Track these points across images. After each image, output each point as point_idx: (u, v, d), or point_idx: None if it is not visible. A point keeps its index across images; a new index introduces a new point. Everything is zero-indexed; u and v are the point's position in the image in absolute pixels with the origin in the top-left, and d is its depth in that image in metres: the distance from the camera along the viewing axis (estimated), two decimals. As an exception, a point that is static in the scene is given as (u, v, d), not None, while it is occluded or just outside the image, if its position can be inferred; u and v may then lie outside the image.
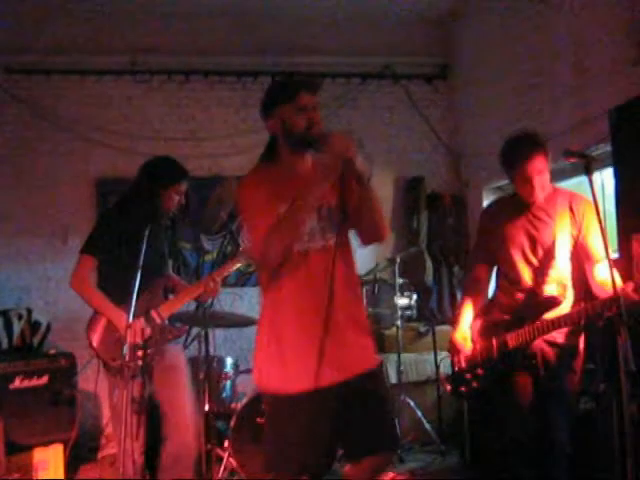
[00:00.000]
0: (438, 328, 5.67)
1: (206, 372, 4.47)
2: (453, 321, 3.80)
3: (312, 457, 2.73)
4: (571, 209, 3.44)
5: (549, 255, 3.44)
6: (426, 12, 6.72)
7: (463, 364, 3.63)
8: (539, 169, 3.38)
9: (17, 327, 5.45)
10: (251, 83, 6.67)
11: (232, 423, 4.50)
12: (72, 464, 4.76)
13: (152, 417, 3.86)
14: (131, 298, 3.38)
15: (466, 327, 3.64)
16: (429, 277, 6.69)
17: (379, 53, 6.83)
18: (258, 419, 4.40)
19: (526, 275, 3.51)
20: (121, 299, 3.66)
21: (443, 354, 4.87)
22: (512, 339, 3.43)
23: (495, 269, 3.74)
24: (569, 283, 3.48)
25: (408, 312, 5.81)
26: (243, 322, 4.95)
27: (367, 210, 2.79)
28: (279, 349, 2.77)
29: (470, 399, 4.48)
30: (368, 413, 2.75)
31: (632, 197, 4.02)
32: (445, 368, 4.55)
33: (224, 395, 4.92)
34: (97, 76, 6.48)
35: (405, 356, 5.59)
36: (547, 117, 5.22)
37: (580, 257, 3.45)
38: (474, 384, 3.60)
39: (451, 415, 5.44)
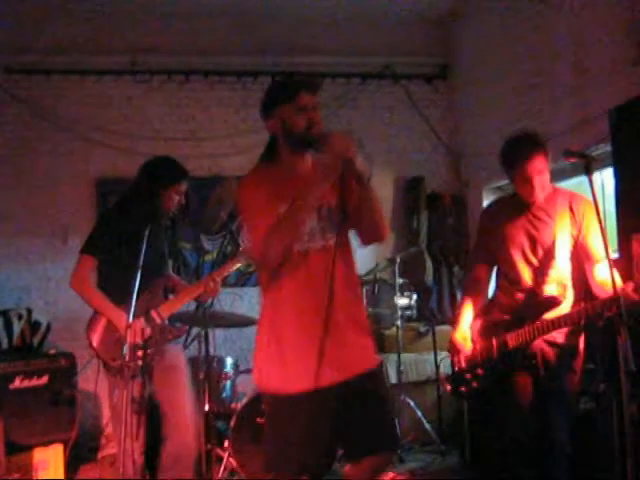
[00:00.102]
0: (438, 328, 5.67)
1: (206, 372, 4.47)
2: (453, 321, 3.80)
3: (312, 457, 2.73)
4: (571, 209, 3.44)
5: (549, 255, 3.44)
6: (426, 12, 6.72)
7: (463, 364, 3.63)
8: (539, 169, 3.38)
9: (17, 327, 5.45)
10: (251, 83, 6.67)
11: (232, 423, 4.50)
12: (72, 464, 4.76)
13: (152, 417, 3.86)
14: (131, 298, 3.38)
15: (466, 327, 3.64)
16: (429, 277, 6.69)
17: (379, 53, 6.83)
18: (258, 419, 4.39)
19: (526, 275, 3.51)
20: (121, 299, 3.66)
21: (443, 354, 4.87)
22: (512, 339, 3.43)
23: (495, 269, 3.74)
24: (569, 283, 3.48)
25: (408, 312, 5.81)
26: (243, 322, 4.94)
27: (367, 210, 2.79)
28: (279, 349, 2.77)
29: (470, 399, 4.48)
30: (368, 413, 2.75)
31: (632, 197, 4.02)
32: (445, 368, 4.55)
33: (224, 395, 4.92)
34: (97, 76, 6.48)
35: (405, 356, 5.59)
36: (547, 117, 5.22)
37: (580, 257, 3.45)
38: (474, 384, 3.60)
39: (451, 415, 5.44)
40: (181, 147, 6.24)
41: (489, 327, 3.58)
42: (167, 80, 6.60)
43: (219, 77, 6.67)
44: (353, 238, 2.92)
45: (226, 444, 4.51)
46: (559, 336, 3.39)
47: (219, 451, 4.53)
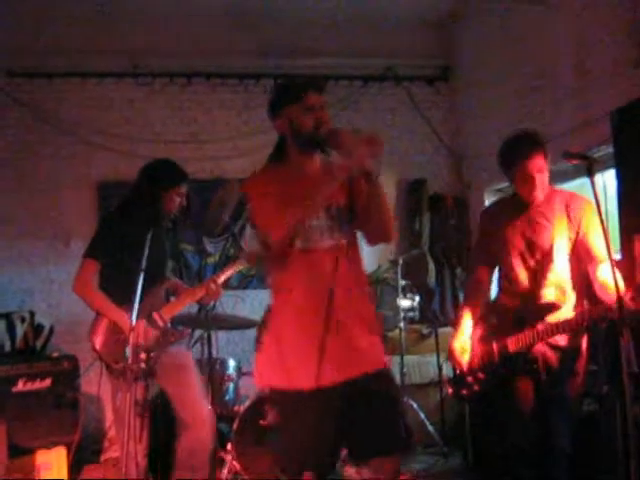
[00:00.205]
0: (441, 330, 5.66)
1: (209, 374, 4.47)
2: (455, 324, 3.79)
3: (315, 456, 2.73)
4: (568, 211, 3.41)
5: (547, 259, 3.42)
6: (427, 14, 6.72)
7: (464, 368, 3.62)
8: (539, 167, 3.37)
9: (20, 330, 5.45)
10: (253, 85, 6.67)
11: (235, 426, 4.49)
12: (75, 467, 4.76)
13: (155, 419, 3.87)
14: (133, 300, 3.39)
15: (465, 336, 3.62)
16: (432, 279, 6.70)
17: (381, 55, 6.83)
18: (261, 421, 4.40)
19: (524, 278, 3.49)
20: (123, 301, 3.67)
21: (446, 356, 4.86)
22: (513, 343, 3.42)
23: (497, 270, 3.74)
24: (568, 287, 3.45)
25: (411, 314, 5.81)
26: (245, 324, 4.95)
27: (375, 209, 2.78)
28: (278, 349, 2.77)
29: (471, 402, 4.47)
30: (375, 414, 2.72)
31: (634, 198, 4.02)
32: (448, 370, 4.55)
33: (227, 397, 4.92)
34: (98, 79, 6.48)
35: (408, 358, 5.58)
36: (549, 119, 5.22)
37: (582, 257, 3.42)
38: (475, 387, 3.59)
39: (454, 417, 5.44)
40: (183, 150, 6.25)
41: (490, 331, 3.57)
42: (169, 83, 6.60)
43: (221, 79, 6.68)
44: (360, 238, 2.91)
45: (229, 447, 4.50)
46: (561, 339, 3.38)
47: (222, 454, 4.53)
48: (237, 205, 6.40)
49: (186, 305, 4.08)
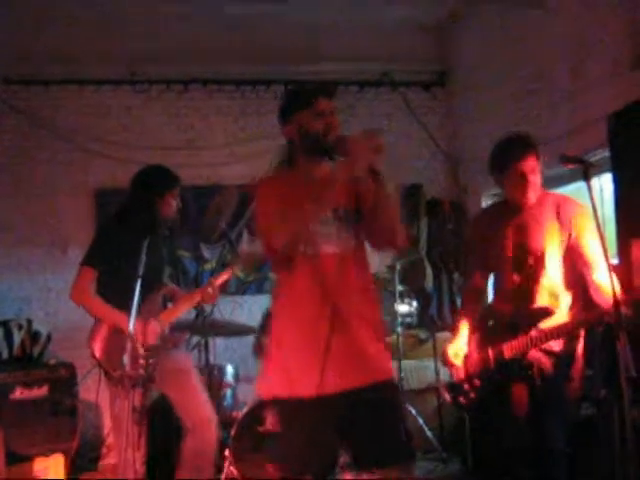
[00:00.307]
0: (438, 335, 5.65)
1: (206, 381, 4.46)
2: (452, 330, 3.79)
3: (314, 463, 2.70)
4: (559, 214, 3.40)
5: (539, 263, 3.41)
6: (423, 19, 6.73)
7: (461, 375, 3.61)
8: (532, 167, 3.37)
9: (17, 337, 5.45)
10: (250, 92, 6.68)
11: (233, 432, 4.48)
12: (73, 474, 4.75)
13: (154, 426, 3.87)
14: (131, 307, 3.38)
15: (461, 342, 3.61)
16: (429, 284, 6.69)
17: (377, 61, 6.83)
18: (259, 428, 4.39)
19: (517, 283, 3.48)
20: (120, 309, 3.66)
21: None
22: (508, 349, 3.41)
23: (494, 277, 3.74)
24: (562, 291, 3.44)
25: (408, 319, 5.81)
26: (243, 331, 4.94)
27: (382, 210, 2.75)
28: (280, 355, 2.76)
29: (469, 410, 4.46)
30: (379, 425, 2.69)
31: (631, 202, 4.02)
32: (445, 375, 4.54)
33: (225, 404, 4.92)
34: (95, 86, 6.49)
35: (405, 363, 5.57)
36: (545, 122, 5.23)
37: (576, 261, 3.41)
38: (472, 395, 3.58)
39: (452, 422, 5.43)
40: (180, 156, 6.24)
41: (486, 337, 3.57)
42: (166, 89, 6.61)
43: (218, 86, 6.69)
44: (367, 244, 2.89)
45: (227, 453, 4.50)
46: (555, 344, 3.36)
47: (220, 460, 4.52)
48: (234, 211, 6.41)
49: (184, 311, 4.08)
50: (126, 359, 3.41)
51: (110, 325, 3.79)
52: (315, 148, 2.76)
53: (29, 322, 5.49)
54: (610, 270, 2.82)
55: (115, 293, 3.75)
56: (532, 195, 3.40)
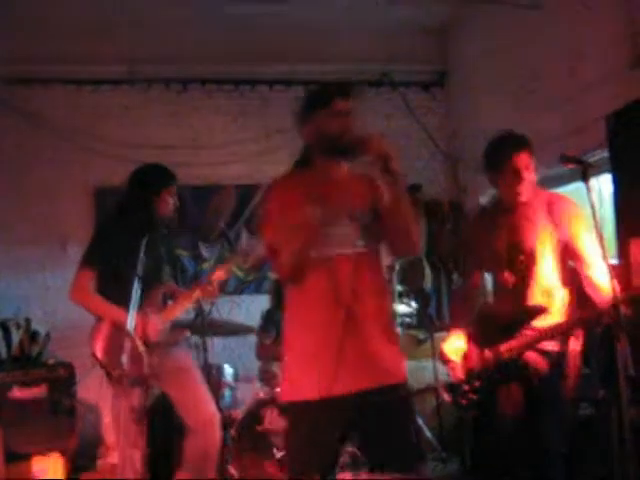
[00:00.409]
0: (437, 335, 5.61)
1: (205, 381, 4.46)
2: (449, 328, 3.79)
3: (316, 465, 2.70)
4: (551, 212, 3.39)
5: (532, 262, 3.41)
6: (423, 20, 6.73)
7: (460, 375, 3.60)
8: (526, 163, 3.37)
9: (16, 337, 5.45)
10: (249, 91, 6.69)
11: (232, 432, 4.48)
12: (71, 473, 4.75)
13: (154, 425, 3.86)
14: (129, 307, 3.38)
15: (458, 341, 3.61)
16: (428, 284, 6.69)
17: (377, 61, 6.83)
18: (258, 428, 4.39)
19: (511, 283, 3.48)
20: (120, 307, 3.66)
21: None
22: (505, 349, 3.41)
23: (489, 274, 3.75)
24: (556, 290, 3.43)
25: (407, 319, 5.81)
26: (242, 330, 4.94)
27: (401, 213, 2.77)
28: (293, 357, 2.78)
29: (469, 410, 4.46)
30: (389, 426, 2.69)
31: (630, 202, 4.02)
32: (444, 375, 4.54)
33: (223, 404, 4.91)
34: (95, 86, 6.50)
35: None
36: (544, 122, 5.21)
37: (571, 259, 3.41)
38: (472, 396, 3.57)
39: (451, 422, 5.42)
40: (179, 155, 6.21)
41: (483, 337, 3.56)
42: (165, 89, 6.62)
43: (217, 85, 6.69)
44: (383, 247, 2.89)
45: (226, 452, 4.49)
46: (549, 343, 3.35)
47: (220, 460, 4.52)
48: (233, 211, 6.41)
49: (184, 308, 4.08)
50: (124, 358, 3.40)
51: (111, 323, 3.78)
52: (332, 148, 2.77)
53: (28, 321, 5.49)
54: (610, 270, 2.82)
55: (114, 292, 3.74)
56: (525, 191, 3.40)
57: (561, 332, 3.28)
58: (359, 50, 6.73)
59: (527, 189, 3.40)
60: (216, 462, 4.04)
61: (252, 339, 5.41)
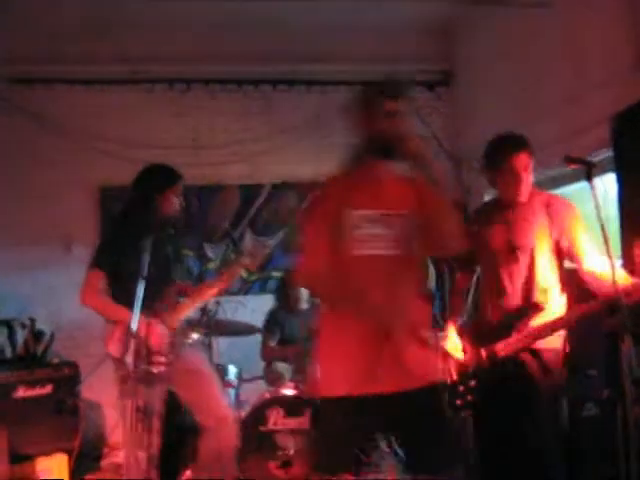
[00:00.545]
0: (441, 334, 5.63)
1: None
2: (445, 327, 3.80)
3: (344, 463, 2.71)
4: (548, 212, 3.41)
5: (529, 261, 3.42)
6: (428, 19, 6.71)
7: (455, 376, 3.59)
8: (525, 164, 3.39)
9: (20, 336, 5.46)
10: (252, 91, 6.68)
11: (236, 432, 4.48)
12: (76, 473, 4.75)
13: (166, 425, 3.86)
14: (136, 308, 3.38)
15: (455, 337, 3.63)
16: (432, 283, 6.68)
17: (381, 60, 6.82)
18: (262, 428, 4.39)
19: (507, 282, 3.49)
20: (129, 308, 3.66)
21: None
22: (501, 348, 3.41)
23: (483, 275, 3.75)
24: (552, 288, 3.44)
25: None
26: (246, 330, 4.94)
27: (443, 215, 2.80)
28: (331, 354, 2.80)
29: (466, 411, 4.45)
30: (424, 429, 2.71)
31: (635, 203, 4.01)
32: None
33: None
34: (99, 85, 6.49)
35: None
36: (548, 123, 5.21)
37: (571, 260, 3.42)
38: (468, 397, 3.57)
39: (453, 421, 5.41)
40: (182, 155, 6.21)
41: (478, 336, 3.56)
42: (168, 89, 6.62)
43: (220, 85, 6.69)
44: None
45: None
46: (539, 342, 3.37)
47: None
48: (237, 211, 6.42)
49: (196, 304, 4.07)
50: (128, 358, 3.41)
51: (124, 324, 3.78)
52: (380, 148, 2.80)
53: (32, 321, 5.50)
54: (613, 265, 2.83)
55: (123, 293, 3.73)
56: (524, 192, 3.42)
57: (562, 327, 3.28)
58: (364, 50, 6.72)
59: (525, 189, 3.42)
60: (233, 461, 4.02)
61: (257, 339, 5.41)
